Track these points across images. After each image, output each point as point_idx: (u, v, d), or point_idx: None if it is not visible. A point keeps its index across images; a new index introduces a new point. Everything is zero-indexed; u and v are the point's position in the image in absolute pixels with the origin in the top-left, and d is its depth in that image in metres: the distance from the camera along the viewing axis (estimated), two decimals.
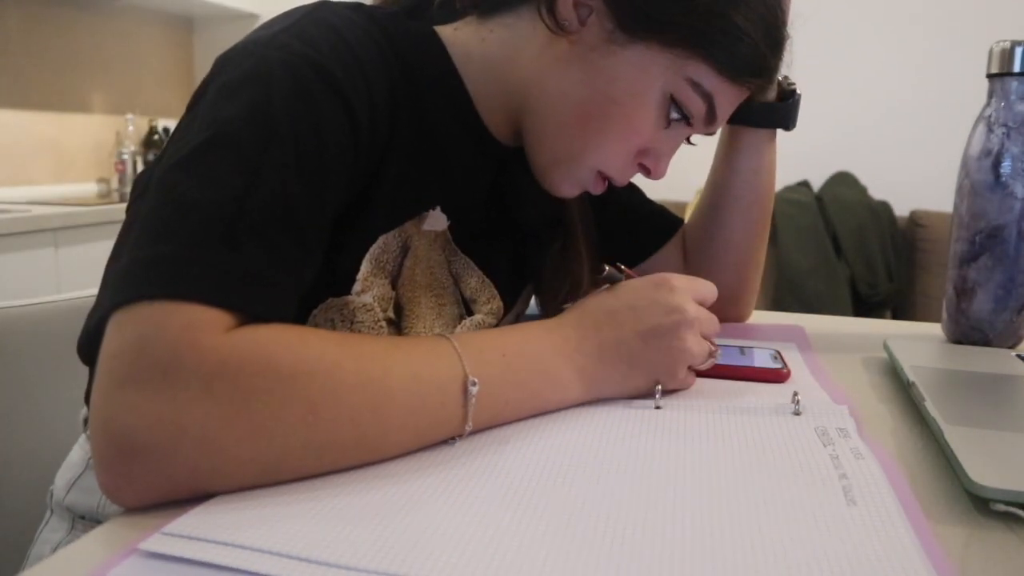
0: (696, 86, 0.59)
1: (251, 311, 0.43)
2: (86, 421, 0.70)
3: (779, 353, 0.67)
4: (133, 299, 0.41)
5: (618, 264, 0.60)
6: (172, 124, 2.80)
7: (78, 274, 1.89)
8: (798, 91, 0.76)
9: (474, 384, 0.47)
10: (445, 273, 0.66)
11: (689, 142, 0.65)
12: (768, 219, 0.80)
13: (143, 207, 0.46)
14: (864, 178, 2.70)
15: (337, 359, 0.43)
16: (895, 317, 2.59)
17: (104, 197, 2.42)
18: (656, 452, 0.47)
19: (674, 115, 0.60)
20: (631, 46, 0.58)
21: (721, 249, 0.80)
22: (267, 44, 0.51)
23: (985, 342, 0.75)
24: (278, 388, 0.40)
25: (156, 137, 2.69)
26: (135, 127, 2.68)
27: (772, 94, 0.75)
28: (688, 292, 0.57)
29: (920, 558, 0.35)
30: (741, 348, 0.69)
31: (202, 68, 3.03)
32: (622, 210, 0.81)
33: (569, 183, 0.64)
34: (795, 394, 0.55)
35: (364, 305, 0.59)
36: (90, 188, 2.56)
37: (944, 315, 0.79)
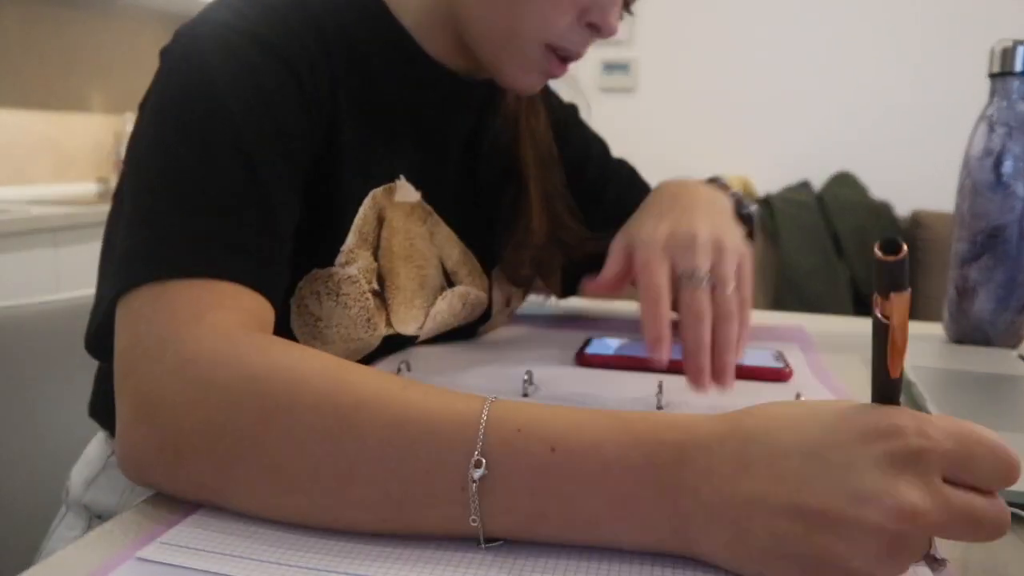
0: None
1: (231, 277, 0.45)
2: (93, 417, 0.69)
3: (781, 353, 0.67)
4: (125, 289, 0.44)
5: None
6: None
7: (78, 274, 1.88)
8: (753, 209, 0.73)
9: (479, 466, 0.34)
10: (427, 244, 0.65)
11: (628, 10, 0.63)
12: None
13: (124, 204, 0.48)
14: (864, 178, 2.70)
15: (310, 374, 0.38)
16: None
17: (103, 197, 2.42)
18: None
19: None
20: None
21: None
22: (195, 24, 0.53)
23: (986, 342, 0.75)
24: (236, 386, 0.38)
25: None
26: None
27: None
28: (939, 459, 0.31)
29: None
30: None
31: None
32: (618, 199, 0.80)
33: (523, 69, 0.61)
34: (798, 395, 0.55)
35: (349, 277, 0.59)
36: (89, 188, 2.55)
37: (945, 315, 0.78)
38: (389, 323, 0.63)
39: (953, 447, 0.31)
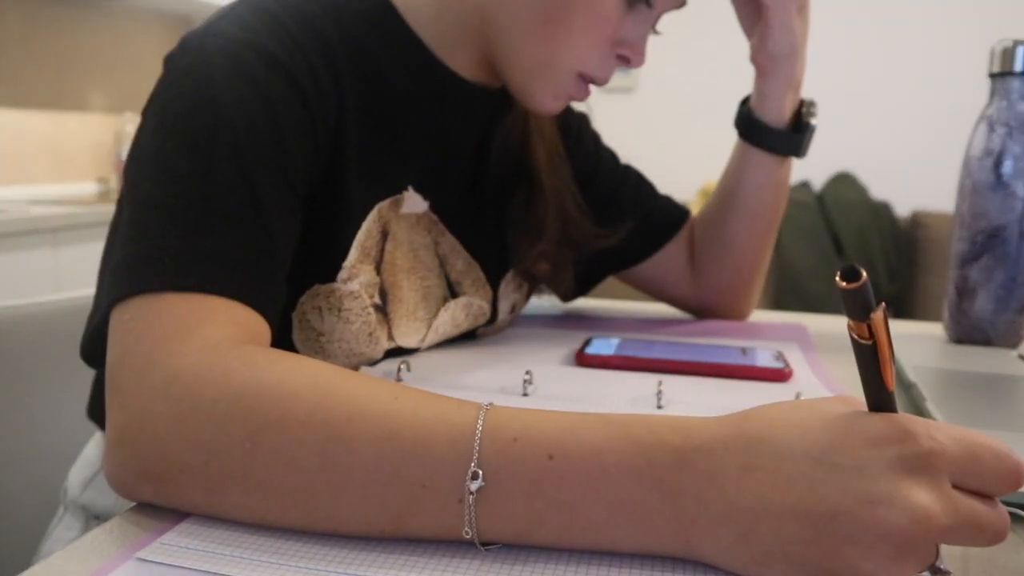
0: None
1: (225, 292, 0.44)
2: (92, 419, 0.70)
3: (781, 353, 0.67)
4: (117, 300, 0.44)
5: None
6: None
7: (77, 274, 1.88)
8: (814, 122, 0.74)
9: (476, 478, 0.34)
10: (431, 255, 0.65)
11: (655, 31, 0.64)
12: (774, 228, 0.80)
13: (123, 214, 0.48)
14: (864, 178, 2.71)
15: (298, 388, 0.37)
16: (896, 317, 2.59)
17: (103, 197, 2.42)
18: None
19: None
20: None
21: (724, 250, 0.79)
22: (204, 35, 0.52)
23: (986, 342, 0.75)
24: (223, 403, 0.37)
25: None
26: (134, 127, 2.67)
27: (787, 116, 0.73)
28: (949, 464, 0.31)
29: None
30: (743, 348, 0.69)
31: None
32: (629, 203, 0.81)
33: (552, 93, 0.63)
34: (798, 394, 0.55)
35: (351, 292, 0.59)
36: (89, 188, 2.56)
37: (945, 315, 0.78)
38: (391, 337, 0.63)
39: (960, 452, 0.31)
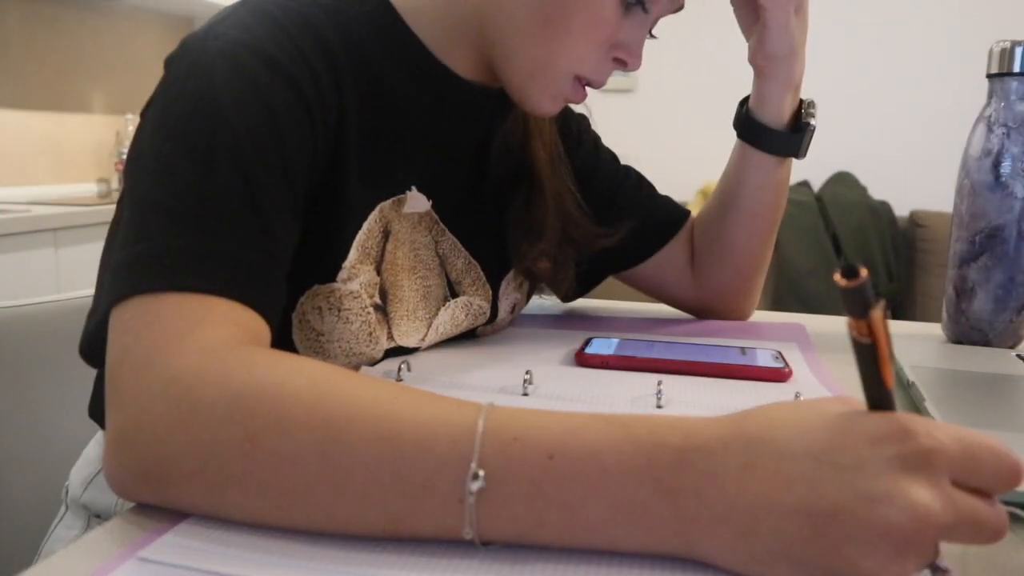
0: None
1: (225, 293, 0.44)
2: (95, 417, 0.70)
3: (780, 353, 0.67)
4: (117, 300, 0.44)
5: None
6: None
7: (78, 274, 1.89)
8: (814, 123, 0.74)
9: (476, 478, 0.34)
10: (431, 254, 0.66)
11: (651, 35, 0.65)
12: (774, 229, 0.80)
13: (123, 214, 0.48)
14: (864, 178, 2.71)
15: (298, 389, 0.37)
16: (895, 317, 2.59)
17: (104, 197, 2.42)
18: None
19: None
20: None
21: (724, 250, 0.80)
22: (205, 37, 0.53)
23: (985, 342, 0.75)
24: (222, 404, 0.37)
25: None
26: (135, 127, 2.68)
27: (786, 117, 0.73)
28: (948, 462, 0.31)
29: None
30: (742, 348, 0.69)
31: None
32: (629, 203, 0.81)
33: (550, 96, 0.63)
34: (797, 395, 0.55)
35: (351, 292, 0.59)
36: (90, 188, 2.56)
37: (944, 315, 0.79)
38: (391, 336, 0.63)
39: (959, 450, 0.31)
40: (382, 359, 0.63)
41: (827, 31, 2.74)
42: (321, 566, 0.33)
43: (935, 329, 0.82)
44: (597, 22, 0.59)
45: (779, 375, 0.62)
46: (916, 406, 0.56)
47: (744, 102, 0.76)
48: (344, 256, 0.58)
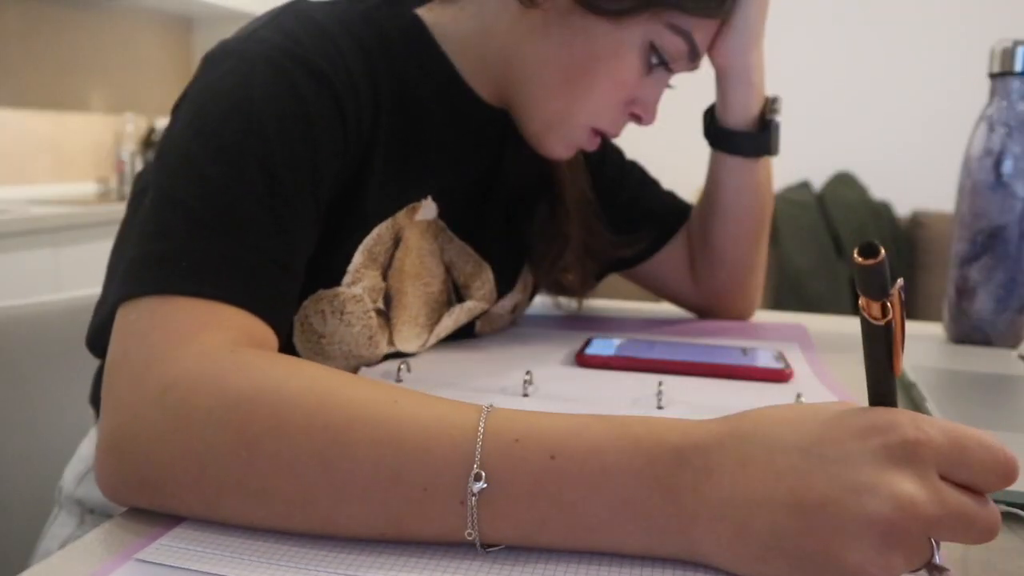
0: (675, 28, 0.60)
1: (238, 301, 0.44)
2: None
3: (781, 353, 0.67)
4: (127, 298, 0.43)
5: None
6: None
7: (78, 274, 1.88)
8: (778, 119, 0.74)
9: (479, 479, 0.34)
10: (436, 261, 0.65)
11: (669, 85, 0.66)
12: (762, 229, 0.79)
13: (143, 206, 0.47)
14: (864, 178, 2.70)
15: (296, 394, 0.37)
16: None
17: (103, 197, 2.42)
18: None
19: (654, 60, 0.61)
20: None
21: (714, 255, 0.80)
22: (247, 40, 0.52)
23: (986, 342, 0.75)
24: (218, 411, 0.37)
25: (155, 137, 2.69)
26: (134, 127, 2.68)
27: (752, 117, 0.73)
28: (935, 455, 0.31)
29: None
30: (743, 348, 0.69)
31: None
32: (631, 201, 0.81)
33: (564, 144, 0.65)
34: (799, 395, 0.55)
35: (354, 296, 0.59)
36: (89, 188, 2.56)
37: (945, 315, 0.78)
38: (392, 342, 0.63)
39: (948, 444, 0.31)
40: (382, 360, 0.63)
41: (827, 31, 2.74)
42: (319, 568, 0.33)
43: (936, 329, 0.82)
44: (619, 84, 0.61)
45: (780, 375, 0.62)
46: (917, 406, 0.56)
47: (710, 111, 0.76)
48: (349, 260, 0.58)
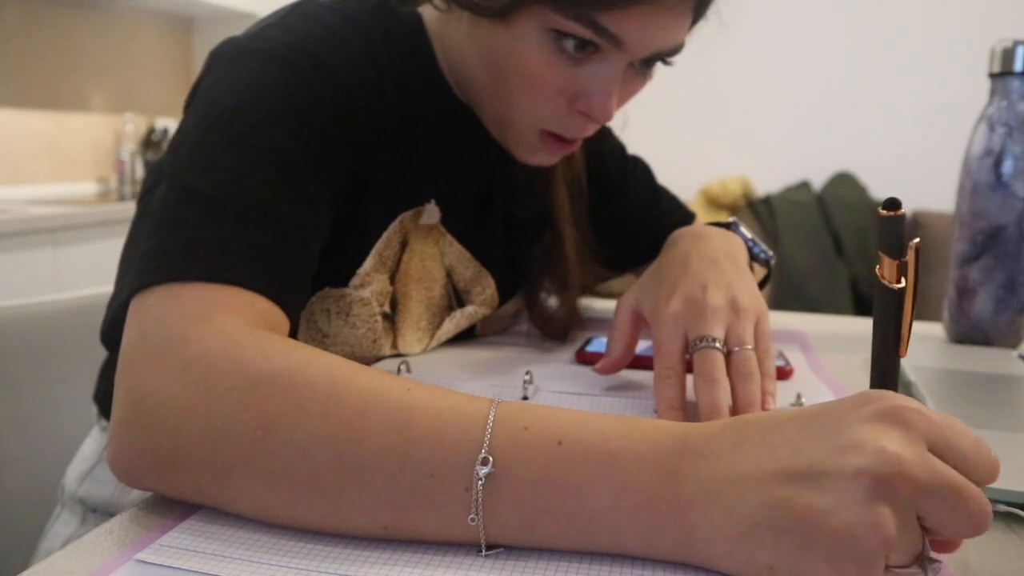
0: (565, 13, 0.52)
1: (254, 286, 0.44)
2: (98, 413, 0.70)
3: (781, 352, 0.67)
4: (142, 287, 0.43)
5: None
6: (171, 123, 2.80)
7: (78, 274, 1.88)
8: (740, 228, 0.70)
9: (486, 464, 0.34)
10: (437, 265, 0.66)
11: (668, 62, 0.62)
12: None
13: (156, 198, 0.48)
14: (864, 178, 2.71)
15: (314, 378, 0.38)
16: None
17: (103, 197, 2.42)
18: None
19: (570, 47, 0.54)
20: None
21: None
22: (256, 38, 0.53)
23: (986, 342, 0.75)
24: (237, 390, 0.37)
25: (155, 137, 2.69)
26: (134, 127, 2.68)
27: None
28: (926, 425, 0.31)
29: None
30: None
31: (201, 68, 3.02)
32: (624, 208, 0.80)
33: (527, 149, 0.61)
34: (799, 395, 0.55)
35: (362, 299, 0.59)
36: (89, 188, 2.56)
37: (945, 315, 0.78)
38: (395, 345, 0.63)
39: (940, 421, 0.31)
40: (384, 358, 0.63)
41: (828, 31, 2.75)
42: (319, 567, 0.33)
43: (936, 329, 0.82)
44: (536, 80, 0.55)
45: (780, 373, 0.62)
46: None
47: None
48: (360, 263, 0.58)
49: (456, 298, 0.68)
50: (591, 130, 0.60)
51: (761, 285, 0.70)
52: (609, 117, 0.58)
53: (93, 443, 0.71)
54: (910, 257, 0.32)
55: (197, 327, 0.40)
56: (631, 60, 0.56)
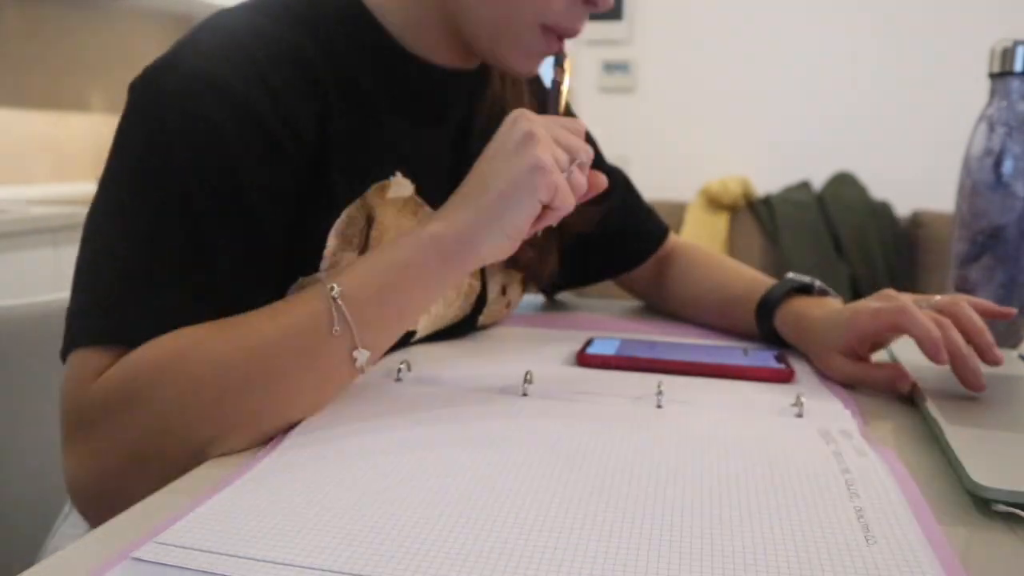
0: None
1: (129, 339, 0.49)
2: None
3: (782, 353, 0.67)
4: (64, 351, 0.50)
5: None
6: None
7: None
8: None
9: (333, 288, 0.49)
10: None
11: None
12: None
13: (82, 242, 0.53)
14: (864, 178, 2.70)
15: (201, 333, 0.48)
16: None
17: None
18: (655, 453, 0.46)
19: None
20: None
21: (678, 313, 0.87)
22: (164, 68, 0.53)
23: None
24: (156, 376, 0.46)
25: None
26: None
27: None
28: (542, 120, 0.54)
29: (926, 553, 0.35)
30: (744, 348, 0.69)
31: None
32: (608, 211, 0.80)
33: (522, 52, 0.61)
34: (799, 396, 0.55)
35: None
36: (89, 188, 2.55)
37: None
38: None
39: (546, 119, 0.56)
40: (385, 355, 0.63)
41: (828, 30, 2.74)
42: (316, 565, 0.33)
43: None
44: None
45: (781, 375, 0.62)
46: (917, 406, 0.56)
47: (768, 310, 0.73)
48: (323, 246, 0.58)
49: None
50: (583, 24, 0.63)
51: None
52: (611, 4, 0.61)
53: None
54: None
55: (94, 382, 0.47)
56: None
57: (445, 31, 0.63)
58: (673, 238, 0.89)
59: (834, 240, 2.57)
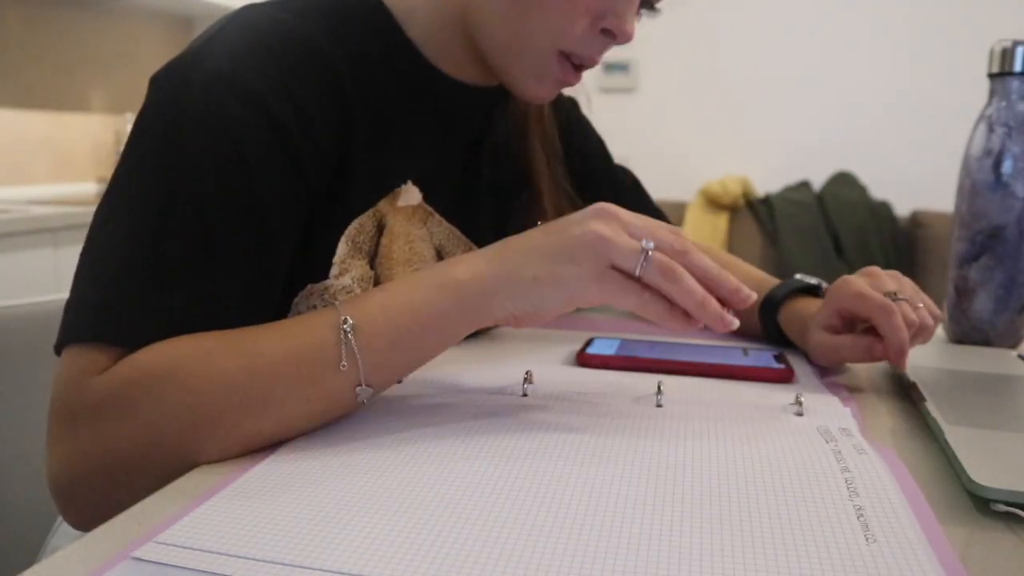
0: None
1: (144, 343, 0.47)
2: None
3: (782, 353, 0.67)
4: (59, 344, 0.48)
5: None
6: None
7: None
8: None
9: (346, 321, 0.47)
10: (427, 246, 0.66)
11: (653, 8, 0.63)
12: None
13: (89, 233, 0.51)
14: (864, 178, 2.71)
15: (206, 345, 0.46)
16: None
17: None
18: (655, 453, 0.46)
19: None
20: None
21: None
22: (190, 64, 0.51)
23: (986, 342, 0.75)
24: (156, 385, 0.45)
25: None
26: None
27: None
28: (616, 211, 0.49)
29: (926, 553, 0.35)
30: (744, 349, 0.69)
31: None
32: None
33: (535, 76, 0.61)
34: (798, 396, 0.55)
35: (344, 287, 0.59)
36: (89, 188, 2.55)
37: (945, 315, 0.78)
38: None
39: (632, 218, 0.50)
40: None
41: (828, 30, 2.74)
42: (316, 566, 0.33)
43: (936, 329, 0.82)
44: None
45: (781, 375, 0.62)
46: (917, 406, 0.56)
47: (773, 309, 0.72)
48: (334, 252, 0.58)
49: None
50: (602, 55, 0.61)
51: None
52: (631, 37, 0.60)
53: None
54: None
55: (93, 378, 0.46)
56: None
57: (467, 47, 0.63)
58: None
59: (834, 240, 2.57)
